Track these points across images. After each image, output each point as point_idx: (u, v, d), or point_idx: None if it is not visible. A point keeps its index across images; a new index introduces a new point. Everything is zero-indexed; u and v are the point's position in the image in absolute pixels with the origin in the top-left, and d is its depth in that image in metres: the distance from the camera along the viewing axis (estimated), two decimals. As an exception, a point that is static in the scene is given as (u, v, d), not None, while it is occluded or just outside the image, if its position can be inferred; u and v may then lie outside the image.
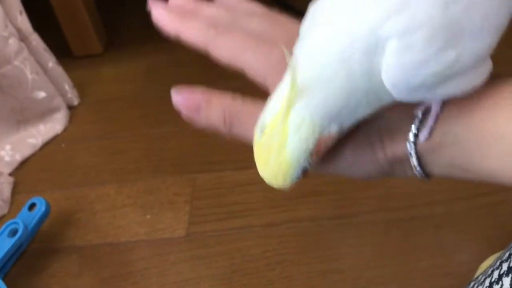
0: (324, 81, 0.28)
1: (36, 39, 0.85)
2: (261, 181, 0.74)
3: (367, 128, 0.34)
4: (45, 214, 0.69)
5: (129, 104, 0.93)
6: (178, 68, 0.97)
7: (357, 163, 0.34)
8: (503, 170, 0.31)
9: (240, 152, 0.79)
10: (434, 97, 0.30)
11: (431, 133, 0.32)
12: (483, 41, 0.28)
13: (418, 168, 0.33)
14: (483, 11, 0.28)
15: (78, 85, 0.96)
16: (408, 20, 0.27)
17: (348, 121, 0.30)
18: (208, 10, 0.37)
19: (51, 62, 0.89)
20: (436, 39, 0.27)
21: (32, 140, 0.85)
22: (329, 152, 0.33)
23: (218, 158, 0.79)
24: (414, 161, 0.33)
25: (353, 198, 0.71)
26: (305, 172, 0.30)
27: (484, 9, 0.28)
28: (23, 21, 0.83)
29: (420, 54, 0.27)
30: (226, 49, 0.35)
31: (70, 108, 0.93)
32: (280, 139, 0.28)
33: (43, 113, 0.87)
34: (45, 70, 0.87)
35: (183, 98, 0.35)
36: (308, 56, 0.29)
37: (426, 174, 0.34)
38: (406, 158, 0.33)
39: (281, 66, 0.32)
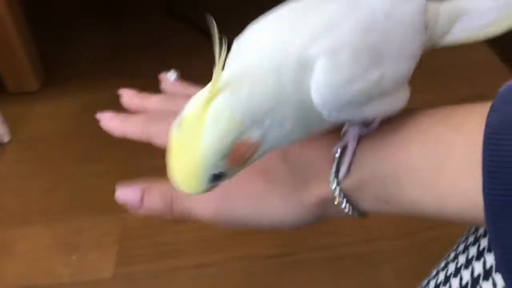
0: (252, 79, 0.27)
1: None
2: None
3: (289, 173, 0.34)
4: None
5: (61, 142, 0.90)
6: (115, 105, 0.94)
7: (287, 211, 0.34)
8: (419, 201, 0.31)
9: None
10: (362, 116, 0.30)
11: (349, 169, 0.32)
12: (401, 65, 0.31)
13: (347, 207, 0.33)
14: (399, 41, 0.30)
15: (11, 122, 0.92)
16: (333, 41, 0.28)
17: (273, 136, 0.28)
18: (153, 100, 0.41)
19: (-20, 97, 0.85)
20: (361, 59, 0.28)
21: (-45, 179, 0.81)
22: (258, 203, 0.34)
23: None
24: (341, 200, 0.32)
25: (289, 236, 0.69)
26: (218, 179, 0.28)
27: (399, 39, 0.30)
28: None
29: (347, 72, 0.28)
30: (162, 137, 0.37)
31: (0, 145, 0.89)
32: (196, 132, 0.26)
33: (-31, 150, 0.83)
34: (-27, 105, 0.83)
35: (127, 194, 0.37)
36: (240, 58, 0.29)
37: (359, 211, 0.34)
38: (332, 199, 0.33)
39: None
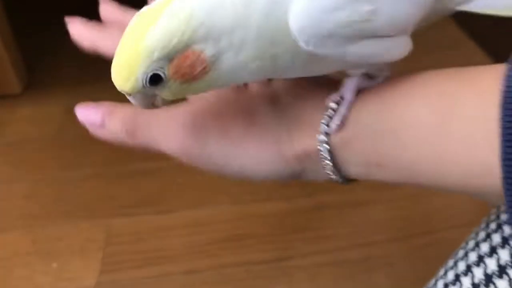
0: None
1: None
2: (182, 225, 0.69)
3: (274, 120, 0.31)
4: None
5: (43, 146, 0.86)
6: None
7: (261, 159, 0.30)
8: (419, 162, 0.27)
9: (158, 196, 0.74)
10: (345, 54, 0.26)
11: (343, 122, 0.29)
12: (401, 8, 0.27)
13: (330, 165, 0.29)
14: None
15: (-9, 125, 0.89)
16: None
17: (227, 61, 0.25)
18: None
19: (-42, 99, 0.82)
20: None
21: None
22: (233, 145, 0.30)
23: (134, 202, 0.73)
24: (325, 156, 0.29)
25: (281, 241, 0.66)
26: (155, 84, 0.25)
27: None
28: None
29: None
30: None
31: (-21, 149, 0.85)
32: (147, 23, 0.24)
33: None
34: (-50, 107, 0.80)
35: (87, 114, 0.32)
36: None
37: (341, 175, 0.30)
38: (316, 154, 0.29)
39: None
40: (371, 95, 0.29)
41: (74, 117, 0.96)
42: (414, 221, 0.66)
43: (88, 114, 0.32)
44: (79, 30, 0.35)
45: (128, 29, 0.25)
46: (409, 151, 0.27)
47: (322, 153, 0.29)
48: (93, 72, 1.02)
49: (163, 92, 0.26)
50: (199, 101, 0.32)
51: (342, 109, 0.29)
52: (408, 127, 0.27)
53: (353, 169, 0.30)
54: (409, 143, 0.27)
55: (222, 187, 0.73)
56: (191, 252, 0.65)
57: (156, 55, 0.24)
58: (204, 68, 0.25)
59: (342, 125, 0.28)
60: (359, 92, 0.29)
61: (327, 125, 0.29)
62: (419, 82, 0.28)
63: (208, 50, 0.25)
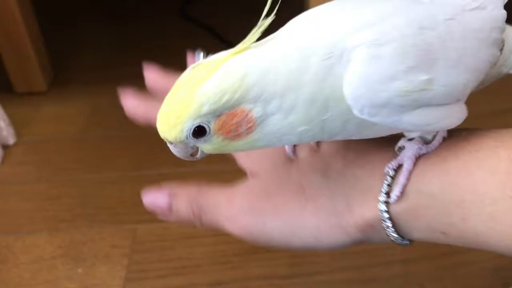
0: (276, 58, 0.25)
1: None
2: (208, 234, 0.68)
3: (328, 191, 0.31)
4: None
5: (68, 146, 0.86)
6: (123, 110, 0.91)
7: (321, 233, 0.31)
8: (488, 234, 0.27)
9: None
10: (399, 123, 0.26)
11: (403, 192, 0.28)
12: (458, 76, 0.26)
13: (394, 234, 0.29)
14: (461, 47, 0.26)
15: (16, 123, 0.88)
16: (380, 32, 0.24)
17: (273, 123, 0.25)
18: None
19: (-14, 97, 0.82)
20: (408, 55, 0.24)
21: (-44, 181, 0.77)
22: (291, 224, 0.31)
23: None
24: (388, 225, 0.29)
25: (307, 255, 0.65)
26: (198, 136, 0.25)
27: (461, 45, 0.26)
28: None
29: (389, 66, 0.24)
30: None
31: (5, 147, 0.85)
32: (203, 74, 0.24)
33: (-28, 151, 0.79)
34: (-21, 105, 0.80)
35: (153, 200, 0.35)
36: (278, 36, 0.26)
37: (405, 239, 0.30)
38: (379, 224, 0.29)
39: None
40: (432, 162, 0.28)
41: (98, 117, 0.96)
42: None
43: (155, 199, 0.35)
44: (132, 104, 0.36)
45: (181, 80, 0.25)
46: (476, 224, 0.27)
47: (384, 223, 0.29)
48: (119, 71, 1.02)
49: (205, 146, 0.26)
50: (253, 180, 0.33)
51: (402, 179, 0.28)
52: (474, 200, 0.26)
53: (416, 234, 0.30)
54: (476, 216, 0.27)
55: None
56: (216, 262, 0.65)
57: (205, 109, 0.24)
58: (250, 127, 0.25)
59: (402, 194, 0.28)
60: (418, 157, 0.29)
61: (387, 194, 0.29)
62: (481, 151, 0.27)
63: (256, 111, 0.25)
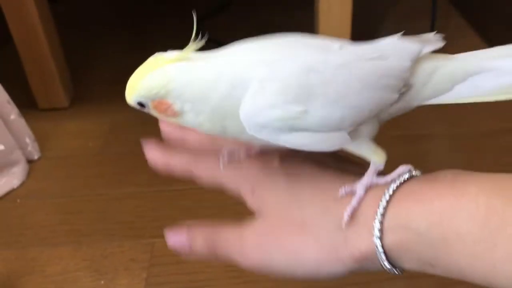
0: (199, 73, 0.33)
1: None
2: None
3: (329, 225, 0.35)
4: (-9, 276, 0.65)
5: (89, 161, 0.90)
6: (143, 126, 0.95)
7: (323, 264, 0.35)
8: (469, 270, 0.31)
9: (201, 217, 0.78)
10: (277, 141, 0.33)
11: (351, 214, 0.34)
12: (333, 111, 0.32)
13: (387, 265, 0.33)
14: (342, 90, 0.32)
15: (40, 139, 0.93)
16: (272, 71, 0.32)
17: (188, 118, 0.34)
18: (193, 136, 0.43)
19: (13, 114, 0.86)
20: (287, 92, 0.32)
21: (-15, 195, 0.82)
22: (294, 256, 0.35)
23: (178, 223, 0.76)
24: (382, 257, 0.33)
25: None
26: (142, 107, 0.34)
27: (344, 88, 0.32)
28: (-13, 72, 0.80)
29: (269, 98, 0.32)
30: (205, 173, 0.41)
31: (30, 162, 0.90)
32: (147, 70, 0.33)
33: (0, 166, 0.83)
34: (6, 122, 0.84)
35: (174, 242, 0.39)
36: (213, 55, 0.34)
37: (400, 269, 0.34)
38: (373, 256, 0.33)
39: (251, 177, 0.38)
40: (420, 203, 0.32)
41: (118, 132, 1.00)
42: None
43: (176, 241, 0.39)
44: (154, 155, 0.42)
45: (143, 65, 0.34)
46: (459, 261, 0.31)
47: (379, 255, 0.33)
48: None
49: (153, 114, 0.35)
50: (259, 219, 0.37)
51: (354, 202, 0.34)
52: (456, 239, 0.30)
53: (407, 265, 0.34)
54: (458, 253, 0.30)
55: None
56: (231, 276, 0.68)
57: (141, 94, 0.33)
58: (175, 114, 0.34)
59: (352, 216, 0.34)
60: (413, 193, 0.33)
61: (380, 231, 0.33)
62: (463, 195, 0.31)
63: (176, 105, 0.33)
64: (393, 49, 0.34)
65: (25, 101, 1.01)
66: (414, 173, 0.35)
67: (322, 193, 0.36)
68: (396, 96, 0.34)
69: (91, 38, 1.31)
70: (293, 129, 0.32)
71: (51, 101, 1.03)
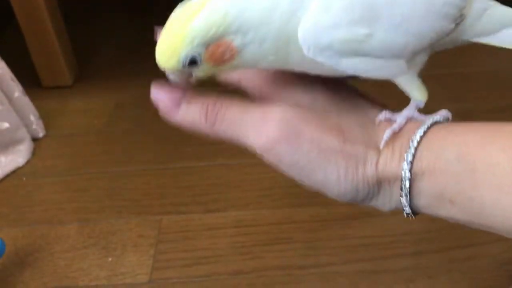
0: None
1: (2, 68, 0.82)
2: (229, 225, 0.72)
3: (363, 139, 0.33)
4: (0, 254, 0.65)
5: (95, 139, 0.90)
6: (148, 103, 0.95)
7: (347, 176, 0.33)
8: (494, 205, 0.30)
9: (207, 194, 0.78)
10: (338, 65, 0.31)
11: (392, 135, 0.33)
12: (396, 37, 0.31)
13: (407, 195, 0.32)
14: (406, 12, 0.31)
15: (45, 117, 0.93)
16: None
17: (251, 50, 0.30)
18: None
19: (17, 91, 0.86)
20: (352, 11, 0.30)
21: (-9, 173, 0.82)
22: (325, 157, 0.32)
23: (185, 200, 0.76)
24: (405, 184, 0.32)
25: (322, 247, 0.69)
26: (192, 66, 0.30)
27: (408, 11, 0.31)
28: (-10, 50, 0.80)
29: (333, 18, 0.30)
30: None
31: (35, 140, 0.89)
32: (191, 14, 0.29)
33: (6, 144, 0.83)
34: (10, 99, 0.84)
35: (163, 94, 0.33)
36: None
37: (411, 205, 0.33)
38: (397, 179, 0.32)
39: (275, 78, 0.35)
40: (455, 134, 0.32)
41: (123, 110, 1.00)
42: (456, 233, 0.68)
43: (165, 92, 0.33)
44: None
45: (172, 17, 0.30)
46: (485, 193, 0.30)
47: (403, 180, 0.32)
48: (143, 65, 1.05)
49: (197, 72, 0.31)
50: (293, 105, 0.33)
51: (396, 126, 0.33)
52: (487, 170, 0.29)
53: (424, 200, 0.32)
54: (486, 185, 0.30)
55: (266, 189, 0.76)
56: (237, 253, 0.69)
57: (196, 41, 0.29)
58: (232, 55, 0.30)
59: (391, 138, 0.33)
60: (445, 129, 0.33)
61: (413, 155, 0.32)
62: (497, 132, 0.31)
63: (237, 41, 0.30)
64: None
65: (28, 79, 1.00)
66: (451, 118, 0.34)
67: (361, 111, 0.35)
68: (452, 26, 0.33)
69: (95, 16, 1.30)
70: (355, 53, 0.31)
71: (55, 79, 1.02)
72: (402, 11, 0.31)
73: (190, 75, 0.32)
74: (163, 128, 0.80)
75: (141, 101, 0.97)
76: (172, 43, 0.30)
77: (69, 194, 0.80)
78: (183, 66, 0.30)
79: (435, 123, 0.33)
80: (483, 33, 0.35)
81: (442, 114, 0.34)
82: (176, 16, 0.30)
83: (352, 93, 0.37)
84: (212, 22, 0.29)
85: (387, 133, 0.33)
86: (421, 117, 0.34)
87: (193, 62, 0.30)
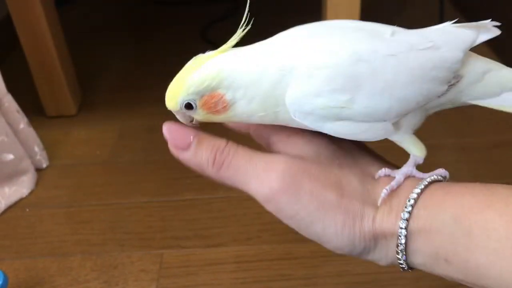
0: (247, 60, 0.33)
1: (9, 101, 0.83)
2: (230, 261, 0.73)
3: (361, 195, 0.34)
4: (2, 287, 0.65)
5: (98, 170, 0.91)
6: (150, 134, 0.97)
7: (344, 230, 0.34)
8: (488, 268, 0.30)
9: (209, 228, 0.79)
10: (322, 129, 0.33)
11: (390, 193, 0.34)
12: (379, 102, 0.32)
13: (402, 252, 0.33)
14: (390, 78, 0.32)
15: (49, 146, 0.94)
16: (320, 58, 0.32)
17: (241, 106, 0.33)
18: None
19: (22, 123, 0.87)
20: (334, 80, 0.32)
21: (-5, 203, 0.82)
22: (323, 210, 0.33)
23: (186, 234, 0.77)
24: (401, 242, 0.33)
25: (322, 284, 0.69)
26: (189, 109, 0.34)
27: (391, 77, 0.32)
28: (-2, 82, 0.81)
29: (316, 86, 0.32)
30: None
31: (38, 170, 0.90)
32: (194, 67, 0.33)
33: (10, 175, 0.84)
34: (15, 131, 0.85)
35: (174, 133, 0.35)
36: (258, 45, 0.34)
37: (407, 263, 0.34)
38: (393, 236, 0.33)
39: (281, 128, 0.36)
40: (451, 196, 0.33)
41: (126, 140, 1.01)
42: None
43: (177, 132, 0.35)
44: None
45: (185, 67, 0.34)
46: (479, 256, 0.30)
47: (399, 237, 0.33)
48: (145, 96, 1.07)
49: (195, 115, 0.34)
50: (295, 157, 0.35)
51: (394, 184, 0.34)
52: (482, 234, 0.30)
53: (420, 259, 0.33)
54: (480, 249, 0.30)
55: (266, 223, 0.77)
56: (239, 288, 0.69)
57: (191, 90, 0.33)
58: (224, 107, 0.33)
59: (388, 195, 0.34)
60: (443, 189, 0.33)
61: (409, 213, 0.33)
62: (493, 196, 0.31)
63: (228, 95, 0.33)
64: (446, 38, 0.33)
65: (33, 108, 1.02)
66: (448, 177, 0.35)
67: (362, 165, 0.36)
68: (445, 88, 0.34)
69: (99, 46, 1.32)
70: (338, 118, 0.32)
71: (59, 108, 1.03)
72: (385, 78, 0.32)
73: (191, 117, 0.35)
74: (165, 160, 0.82)
75: (143, 132, 0.99)
76: (174, 88, 0.33)
77: (72, 226, 0.80)
78: (181, 108, 0.34)
79: (433, 182, 0.34)
80: (483, 96, 0.35)
81: (440, 173, 0.35)
82: (185, 67, 0.34)
83: (354, 145, 0.38)
84: (206, 76, 0.33)
85: (384, 192, 0.34)
86: (419, 174, 0.35)
87: (189, 106, 0.34)
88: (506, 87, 0.35)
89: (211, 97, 0.33)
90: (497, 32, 0.35)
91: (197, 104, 0.33)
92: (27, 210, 0.83)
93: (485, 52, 1.14)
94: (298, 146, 0.36)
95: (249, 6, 0.35)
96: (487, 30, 0.35)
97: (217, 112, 0.34)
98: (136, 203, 0.83)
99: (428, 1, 1.38)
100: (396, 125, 0.34)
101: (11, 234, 0.79)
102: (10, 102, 0.84)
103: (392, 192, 0.34)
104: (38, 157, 0.90)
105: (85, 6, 1.55)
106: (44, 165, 0.91)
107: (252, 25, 0.34)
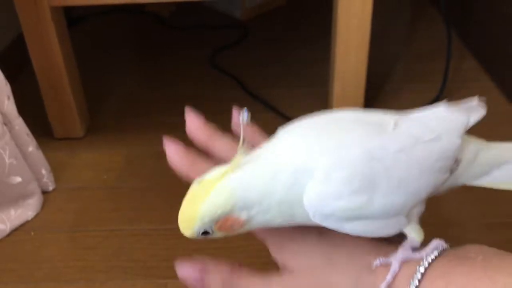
0: (256, 174, 0.32)
1: (19, 124, 0.84)
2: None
3: (350, 271, 0.35)
4: (6, 314, 0.65)
5: (104, 195, 0.91)
6: (157, 160, 0.97)
7: None
8: None
9: (211, 258, 0.78)
10: (342, 229, 0.33)
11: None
12: (395, 198, 0.33)
13: None
14: (403, 176, 0.33)
15: (55, 168, 0.94)
16: (336, 159, 0.32)
17: (257, 219, 0.33)
18: (220, 144, 0.40)
19: (31, 146, 0.87)
20: (352, 182, 0.32)
21: (0, 226, 0.82)
22: None
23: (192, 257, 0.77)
24: None
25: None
26: (206, 235, 0.33)
27: (405, 174, 0.33)
28: (10, 106, 0.82)
29: (335, 189, 0.32)
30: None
31: (44, 193, 0.91)
32: (203, 194, 0.32)
33: (16, 198, 0.84)
34: (24, 154, 0.85)
35: (186, 272, 0.38)
36: (261, 151, 0.34)
37: None
38: None
39: (281, 231, 0.37)
40: (454, 285, 0.33)
41: (133, 166, 1.00)
42: None
43: (188, 273, 0.38)
44: (175, 159, 0.39)
45: (189, 194, 0.33)
46: None
47: None
48: (153, 121, 1.08)
49: (213, 236, 0.34)
50: (289, 276, 0.37)
51: (389, 277, 0.34)
52: None
53: None
54: None
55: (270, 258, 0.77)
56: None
57: (206, 220, 0.32)
58: (241, 225, 0.33)
59: None
60: (445, 274, 0.34)
61: None
62: (497, 285, 0.32)
63: (243, 216, 0.33)
64: (444, 125, 0.35)
65: (41, 129, 1.02)
66: (444, 246, 0.35)
67: (357, 260, 0.37)
68: (448, 175, 0.35)
69: (108, 68, 1.33)
70: (357, 218, 0.33)
71: (67, 130, 1.04)
72: (398, 174, 0.33)
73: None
74: (171, 186, 0.82)
75: (150, 158, 0.99)
76: (188, 218, 0.33)
77: (76, 251, 0.80)
78: (197, 235, 0.34)
79: (429, 265, 0.34)
80: (477, 175, 0.37)
81: (436, 246, 0.35)
82: (192, 193, 0.33)
83: (348, 236, 0.39)
84: (218, 204, 0.32)
85: None
86: (416, 256, 0.35)
87: (205, 233, 0.34)
88: (495, 163, 0.37)
89: (226, 220, 0.33)
90: (483, 112, 0.36)
91: (213, 228, 0.33)
92: (32, 233, 0.84)
93: (495, 92, 1.15)
94: (291, 255, 0.38)
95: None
96: (475, 110, 0.36)
97: (233, 230, 0.34)
98: (141, 230, 0.83)
99: (435, 35, 1.40)
100: (407, 216, 0.35)
101: (16, 258, 0.79)
102: (20, 126, 0.84)
103: (391, 284, 0.35)
104: (45, 179, 0.90)
105: (94, 27, 1.56)
106: (51, 188, 0.91)
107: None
